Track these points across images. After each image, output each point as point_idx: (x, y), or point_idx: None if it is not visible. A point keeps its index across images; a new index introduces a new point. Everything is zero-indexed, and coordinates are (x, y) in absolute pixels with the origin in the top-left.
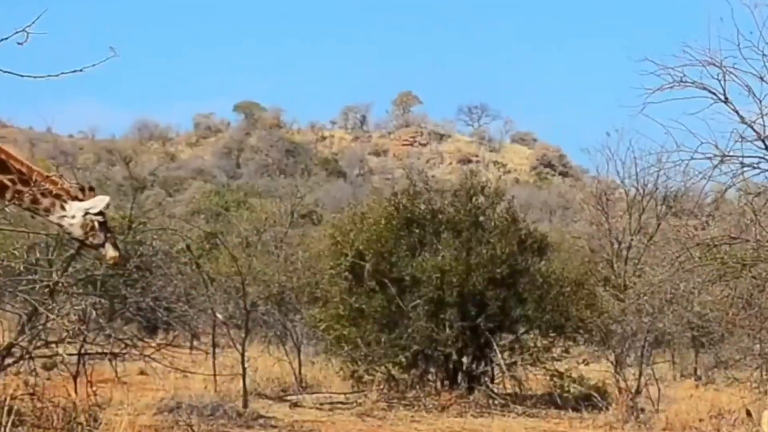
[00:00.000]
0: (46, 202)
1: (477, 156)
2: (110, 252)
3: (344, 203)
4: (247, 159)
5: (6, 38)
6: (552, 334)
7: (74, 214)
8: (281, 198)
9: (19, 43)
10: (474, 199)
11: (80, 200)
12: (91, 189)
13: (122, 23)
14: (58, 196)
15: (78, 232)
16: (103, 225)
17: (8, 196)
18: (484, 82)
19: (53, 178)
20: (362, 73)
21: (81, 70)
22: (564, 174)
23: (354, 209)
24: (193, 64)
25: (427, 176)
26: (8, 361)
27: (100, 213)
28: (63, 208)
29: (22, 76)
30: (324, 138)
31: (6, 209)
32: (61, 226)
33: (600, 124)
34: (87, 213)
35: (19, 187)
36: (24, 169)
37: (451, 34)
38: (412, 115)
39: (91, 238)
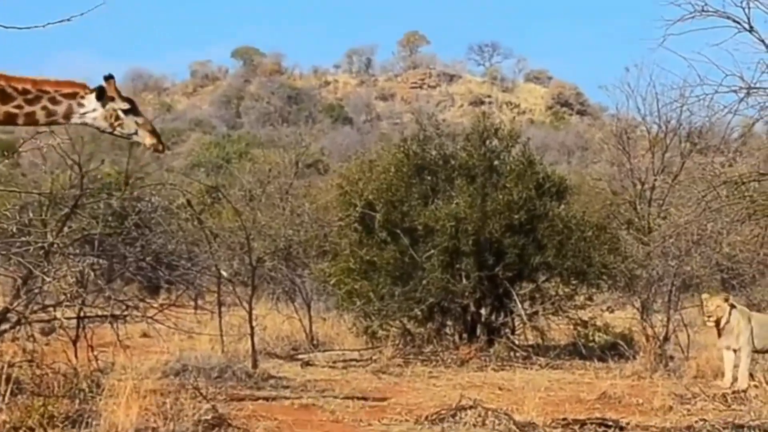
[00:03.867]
0: (62, 108)
1: (489, 97)
2: (146, 140)
3: (351, 151)
4: (248, 108)
5: None
6: (574, 282)
7: (94, 107)
8: (285, 148)
9: None
10: (488, 142)
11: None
12: (110, 78)
13: None
14: (73, 96)
15: (104, 125)
16: (131, 111)
17: (21, 122)
18: (494, 19)
19: (65, 81)
20: (366, 13)
21: (69, 20)
22: (582, 113)
23: (362, 157)
24: (187, 9)
25: (437, 120)
26: (4, 326)
27: (127, 100)
28: (81, 105)
29: (6, 27)
30: (328, 83)
31: None
32: (86, 124)
33: (618, 59)
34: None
35: (28, 109)
36: (29, 86)
37: None
38: (419, 56)
39: (119, 128)
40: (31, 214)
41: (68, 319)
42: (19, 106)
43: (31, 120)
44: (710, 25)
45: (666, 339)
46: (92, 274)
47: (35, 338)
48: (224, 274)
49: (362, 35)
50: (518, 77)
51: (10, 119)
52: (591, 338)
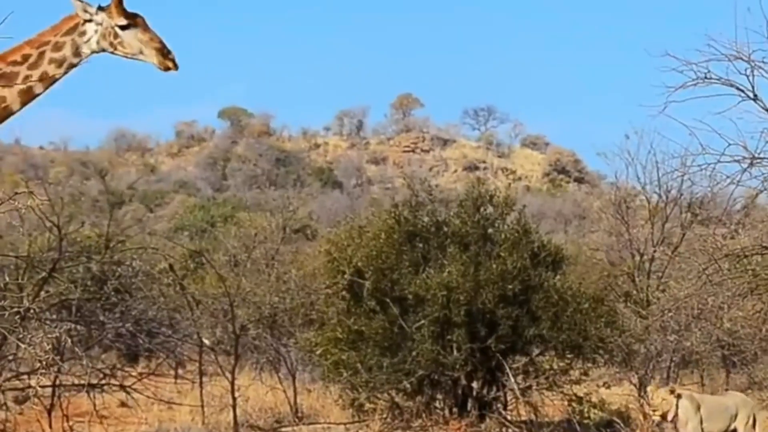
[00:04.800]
0: (68, 49)
1: (484, 162)
2: (153, 59)
3: (341, 216)
4: (234, 170)
5: None
6: (569, 355)
7: (95, 29)
8: (272, 211)
9: None
10: (482, 209)
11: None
12: None
13: None
14: (73, 29)
15: (105, 45)
16: (129, 27)
17: (40, 90)
18: (490, 82)
19: (60, 22)
20: (358, 74)
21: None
22: (579, 180)
23: (351, 222)
24: None
25: (430, 185)
26: None
27: (127, 15)
28: (83, 33)
29: None
30: (317, 145)
31: None
32: (96, 52)
33: (618, 126)
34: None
35: (37, 72)
36: (27, 50)
37: (453, 31)
38: (412, 119)
39: (120, 48)
40: (6, 278)
41: (43, 387)
42: (27, 77)
43: (48, 80)
44: (713, 92)
45: (664, 417)
46: (69, 340)
47: (8, 407)
48: (206, 342)
49: (353, 97)
50: (514, 142)
51: (28, 95)
52: (586, 415)
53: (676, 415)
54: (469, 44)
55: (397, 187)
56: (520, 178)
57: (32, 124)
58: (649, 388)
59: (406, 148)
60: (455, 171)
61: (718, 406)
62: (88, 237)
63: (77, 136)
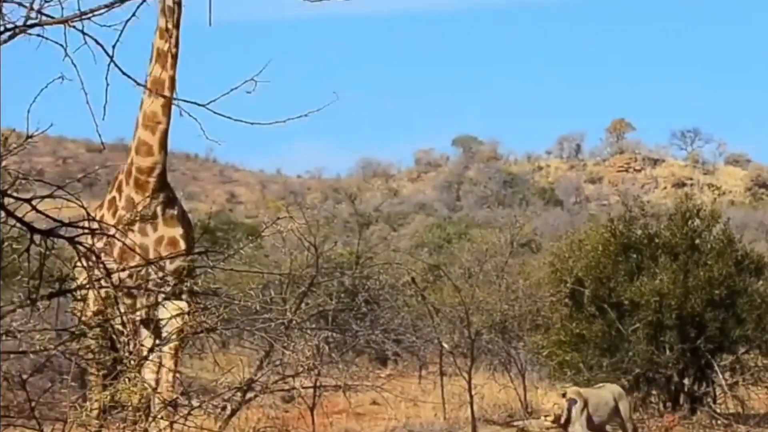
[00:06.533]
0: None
1: (691, 179)
2: None
3: (562, 231)
4: (467, 192)
5: (236, 88)
6: None
7: None
8: (501, 228)
9: (248, 92)
10: (690, 222)
11: None
12: None
13: (342, 65)
14: None
15: None
16: None
17: (160, 43)
18: (695, 106)
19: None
20: (576, 101)
21: (306, 116)
22: None
23: (571, 237)
24: (412, 102)
25: (642, 201)
26: (250, 395)
27: None
28: None
29: (252, 123)
30: (540, 168)
31: (241, 251)
32: None
33: None
34: None
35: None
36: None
37: (661, 60)
38: (625, 141)
39: None
40: (272, 292)
41: (305, 388)
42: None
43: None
44: None
45: (556, 421)
46: (327, 347)
47: (277, 405)
48: (446, 346)
49: (572, 123)
50: (719, 161)
51: (161, 57)
52: None
53: (568, 418)
54: (676, 71)
55: (612, 203)
56: (724, 193)
57: (292, 156)
58: (540, 392)
59: (620, 168)
60: (665, 188)
61: (600, 399)
62: (341, 255)
63: (330, 165)
